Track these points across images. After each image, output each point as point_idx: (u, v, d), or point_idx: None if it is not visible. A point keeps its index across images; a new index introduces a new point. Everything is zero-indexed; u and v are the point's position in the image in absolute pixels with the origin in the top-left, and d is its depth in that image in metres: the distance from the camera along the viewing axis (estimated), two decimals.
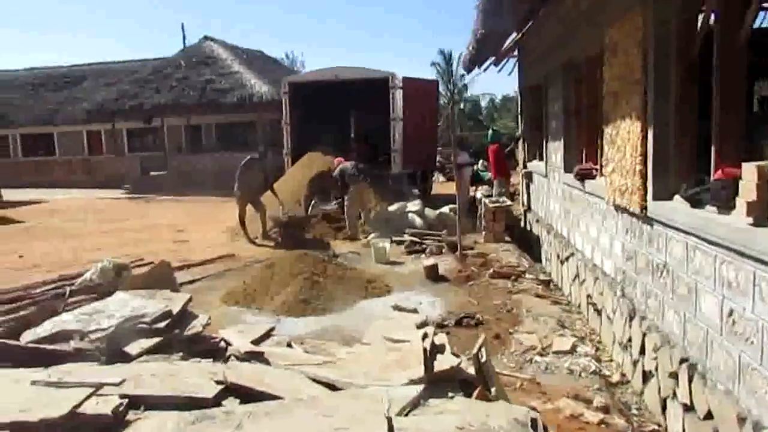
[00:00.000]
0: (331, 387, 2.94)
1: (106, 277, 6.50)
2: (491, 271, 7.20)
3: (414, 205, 10.77)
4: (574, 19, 6.31)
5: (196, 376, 2.89)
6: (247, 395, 2.72)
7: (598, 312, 5.44)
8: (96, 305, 3.96)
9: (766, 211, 2.74)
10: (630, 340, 4.51)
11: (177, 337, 3.71)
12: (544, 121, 8.40)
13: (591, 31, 5.70)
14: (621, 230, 4.85)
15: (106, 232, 12.49)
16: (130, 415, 2.55)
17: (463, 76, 45.29)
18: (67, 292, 6.06)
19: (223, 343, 4.07)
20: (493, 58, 10.78)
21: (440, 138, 20.03)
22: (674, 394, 3.65)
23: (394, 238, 9.39)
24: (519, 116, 11.36)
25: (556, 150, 7.59)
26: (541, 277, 7.46)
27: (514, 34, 9.29)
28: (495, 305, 6.00)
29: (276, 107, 19.84)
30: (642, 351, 4.23)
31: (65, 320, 3.80)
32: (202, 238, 11.26)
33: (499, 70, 11.51)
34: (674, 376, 3.62)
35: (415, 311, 4.91)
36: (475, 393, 3.30)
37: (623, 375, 4.55)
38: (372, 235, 9.88)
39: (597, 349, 5.01)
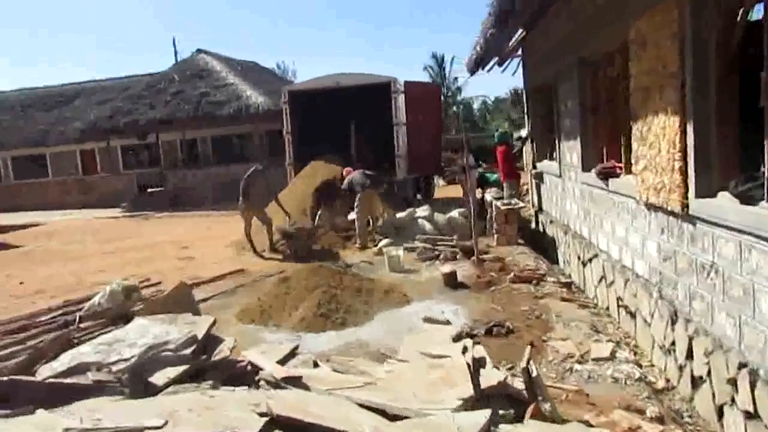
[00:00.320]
0: (381, 412, 2.74)
1: (116, 301, 6.30)
2: (512, 275, 7.00)
3: (423, 211, 10.58)
4: (590, 15, 6.15)
5: (236, 409, 2.68)
6: (295, 427, 2.51)
7: (632, 315, 5.25)
8: (115, 334, 3.74)
9: None
10: (673, 343, 4.31)
11: (204, 364, 3.50)
12: (555, 120, 8.23)
13: (610, 25, 5.54)
14: (655, 230, 4.66)
15: (107, 253, 12.24)
16: None
17: (456, 78, 45.59)
18: (77, 319, 5.84)
19: (249, 366, 3.88)
20: (497, 58, 10.66)
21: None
22: (732, 400, 3.46)
23: (406, 245, 9.18)
24: (525, 116, 11.21)
25: (571, 149, 7.42)
26: (562, 279, 7.27)
27: (519, 33, 9.16)
28: (522, 311, 5.80)
29: (273, 118, 19.70)
30: (689, 355, 4.04)
31: (83, 352, 3.59)
32: (207, 253, 11.04)
33: (503, 71, 11.38)
34: (732, 382, 3.43)
35: (447, 323, 4.70)
36: (530, 410, 3.11)
37: (668, 380, 4.35)
38: (382, 242, 9.68)
39: (635, 354, 4.82)
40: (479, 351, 3.91)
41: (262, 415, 2.58)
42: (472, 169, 12.36)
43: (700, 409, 3.89)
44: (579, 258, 7.14)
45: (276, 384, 3.20)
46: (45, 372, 3.45)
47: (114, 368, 3.37)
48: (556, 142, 8.23)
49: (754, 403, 3.21)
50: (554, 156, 8.71)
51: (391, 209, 11.13)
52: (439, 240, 9.56)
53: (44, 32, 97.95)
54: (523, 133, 19.09)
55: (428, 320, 4.73)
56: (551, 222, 9.05)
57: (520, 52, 10.71)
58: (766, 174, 3.25)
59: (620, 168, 5.76)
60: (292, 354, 4.30)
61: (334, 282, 6.65)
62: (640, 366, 4.55)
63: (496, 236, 9.61)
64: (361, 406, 2.75)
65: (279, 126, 18.09)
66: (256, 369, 3.74)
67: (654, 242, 4.73)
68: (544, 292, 6.43)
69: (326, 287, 6.45)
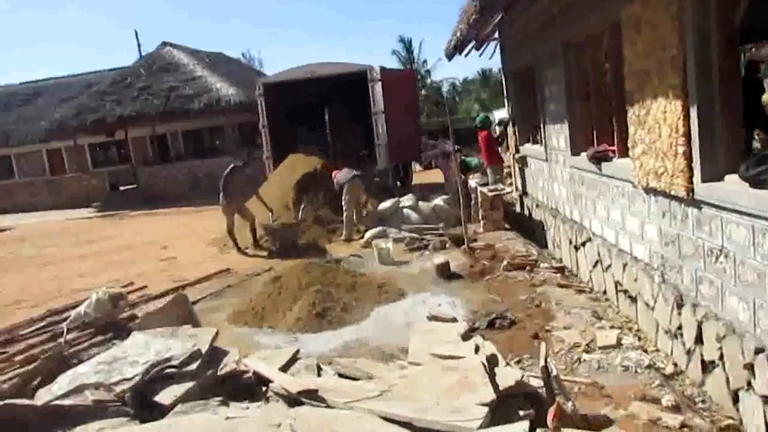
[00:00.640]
0: (408, 425, 2.64)
1: (103, 310, 6.07)
2: (505, 263, 6.96)
3: (407, 200, 10.49)
4: None
5: (257, 429, 2.55)
6: None
7: (632, 299, 5.23)
8: (114, 352, 3.56)
9: None
10: (680, 328, 4.29)
11: (211, 380, 3.35)
12: (540, 104, 8.16)
13: (597, 8, 5.46)
14: (656, 214, 4.63)
15: (84, 256, 11.89)
16: None
17: (425, 62, 45.38)
18: (65, 331, 5.61)
19: (254, 375, 3.74)
20: (474, 42, 10.54)
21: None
22: (749, 385, 3.44)
23: (394, 236, 9.08)
24: (506, 100, 11.13)
25: (558, 133, 7.37)
26: (555, 264, 7.25)
27: (497, 17, 9.05)
28: (521, 300, 5.76)
29: (244, 110, 19.35)
30: (698, 340, 4.02)
31: (82, 372, 3.40)
32: (188, 253, 10.79)
33: (480, 54, 11.28)
34: (749, 367, 3.41)
35: (454, 320, 4.62)
36: (552, 410, 3.03)
37: (675, 365, 4.34)
38: (368, 234, 9.56)
39: (639, 339, 4.81)
40: (489, 348, 3.83)
41: None
42: (454, 153, 12.28)
43: (713, 394, 3.88)
44: (571, 242, 7.12)
45: (289, 398, 3.07)
46: (44, 396, 3.27)
47: (117, 389, 3.21)
48: (541, 126, 8.17)
49: None
50: (539, 140, 8.66)
51: (374, 199, 11.01)
52: (426, 229, 9.48)
53: None
54: (497, 115, 19.08)
55: (433, 318, 4.63)
56: (537, 206, 9.02)
57: (497, 35, 10.62)
58: None
59: (613, 152, 5.71)
60: (294, 359, 4.17)
61: (327, 279, 6.53)
62: (646, 351, 4.54)
63: (482, 222, 9.57)
64: (386, 419, 2.65)
65: (251, 118, 17.81)
66: (263, 379, 3.61)
67: (654, 226, 4.70)
68: (540, 279, 6.39)
69: (320, 285, 6.32)
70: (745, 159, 3.62)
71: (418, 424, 2.61)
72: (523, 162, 9.79)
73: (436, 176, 17.75)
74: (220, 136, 22.58)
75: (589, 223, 6.44)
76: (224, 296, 7.33)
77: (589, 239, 6.42)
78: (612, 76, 5.63)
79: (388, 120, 12.82)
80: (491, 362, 3.51)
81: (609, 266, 5.83)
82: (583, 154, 6.35)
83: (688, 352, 4.20)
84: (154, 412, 3.21)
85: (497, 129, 14.17)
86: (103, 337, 5.86)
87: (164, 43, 23.68)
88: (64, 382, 3.31)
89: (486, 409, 2.70)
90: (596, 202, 6.14)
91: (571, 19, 6.29)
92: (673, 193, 4.18)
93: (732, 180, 3.61)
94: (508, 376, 3.35)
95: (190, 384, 3.24)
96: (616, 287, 5.65)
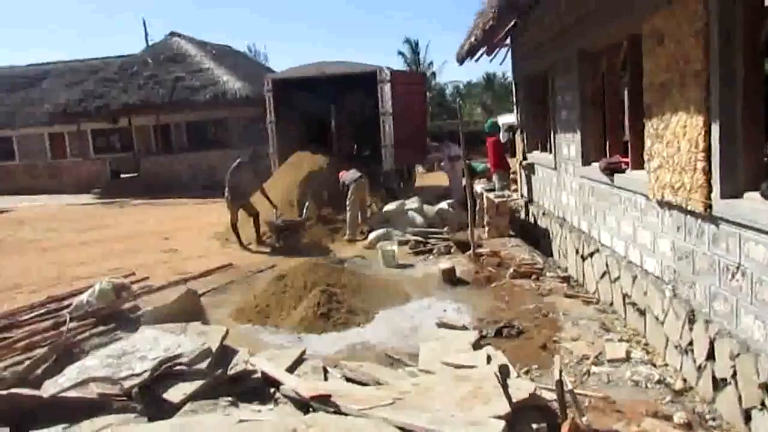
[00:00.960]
0: None
1: (106, 300, 6.02)
2: (511, 270, 6.93)
3: (413, 203, 10.45)
4: (593, 7, 6.03)
5: None
6: None
7: (641, 312, 5.20)
8: (123, 345, 3.52)
9: None
10: (691, 343, 4.27)
11: (221, 379, 3.31)
12: (550, 112, 8.13)
13: (616, 18, 5.43)
14: (670, 227, 4.60)
15: (86, 243, 11.83)
16: None
17: (431, 64, 45.32)
18: (67, 319, 5.56)
19: (261, 375, 3.70)
20: (485, 47, 10.50)
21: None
22: (763, 405, 3.42)
23: (398, 239, 9.05)
24: (514, 106, 11.10)
25: (568, 142, 7.34)
26: (560, 273, 7.22)
27: (511, 23, 9.02)
28: (528, 310, 5.72)
29: (250, 104, 19.30)
30: (710, 356, 3.99)
31: (90, 365, 3.37)
32: (191, 245, 10.74)
33: (491, 60, 11.25)
34: (763, 386, 3.39)
35: (464, 328, 4.58)
36: (566, 425, 3.01)
37: (685, 381, 4.31)
38: (372, 236, 9.52)
39: (647, 353, 4.78)
40: (501, 358, 3.80)
41: None
42: (460, 159, 12.26)
43: (724, 412, 3.85)
44: (578, 252, 7.09)
45: (301, 403, 3.03)
46: (50, 388, 3.23)
47: (125, 384, 3.16)
48: (552, 134, 8.14)
49: None
50: (548, 147, 8.63)
51: (379, 200, 10.98)
52: (431, 233, 9.44)
53: None
54: (502, 120, 19.04)
55: (443, 325, 4.60)
56: (544, 214, 8.99)
57: (508, 41, 10.59)
58: None
59: (626, 163, 5.69)
60: (300, 360, 4.14)
61: (333, 280, 6.49)
62: (655, 366, 4.51)
63: (487, 228, 9.54)
64: (401, 429, 2.61)
65: (256, 113, 17.76)
66: (271, 380, 3.57)
67: (667, 240, 4.67)
68: (546, 289, 6.36)
69: (325, 285, 6.27)
70: (766, 178, 3.60)
71: None
72: (530, 169, 9.76)
73: (438, 179, 17.75)
74: (225, 130, 22.51)
75: (598, 234, 6.41)
76: (227, 292, 7.28)
77: (597, 250, 6.39)
78: (629, 87, 5.60)
79: (396, 122, 12.79)
80: (503, 373, 3.48)
81: (617, 278, 5.80)
82: (595, 164, 6.32)
83: (699, 369, 4.17)
84: (161, 408, 3.18)
85: (504, 135, 14.13)
86: (105, 327, 5.81)
87: (172, 33, 23.62)
88: (72, 374, 3.27)
89: (503, 423, 2.67)
90: (606, 213, 6.11)
91: (588, 27, 6.25)
92: (689, 208, 4.15)
93: (753, 197, 3.58)
94: (521, 388, 3.33)
95: (199, 382, 3.21)
96: (624, 299, 5.62)
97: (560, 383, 3.16)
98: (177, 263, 9.16)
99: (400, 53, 44.96)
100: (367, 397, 3.06)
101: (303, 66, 13.45)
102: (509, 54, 10.97)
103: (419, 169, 21.89)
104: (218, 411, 2.94)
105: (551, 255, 8.37)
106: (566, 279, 6.99)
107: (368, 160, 13.19)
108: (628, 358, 4.47)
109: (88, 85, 22.34)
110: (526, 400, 3.19)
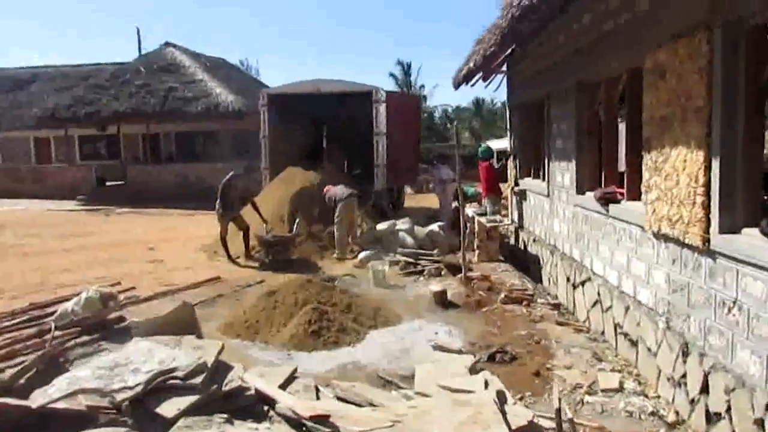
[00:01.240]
0: None
1: (92, 309, 5.88)
2: (502, 296, 6.93)
3: (404, 223, 10.44)
4: (593, 39, 6.13)
5: None
6: None
7: (633, 342, 5.22)
8: (115, 357, 3.44)
9: None
10: (684, 376, 4.28)
11: (216, 395, 3.25)
12: (545, 140, 8.21)
13: (616, 51, 5.52)
14: (665, 260, 4.63)
15: (69, 250, 11.63)
16: None
17: (422, 87, 45.74)
18: (52, 327, 5.43)
19: (255, 393, 3.64)
20: (481, 73, 10.63)
21: None
22: None
23: (389, 259, 9.02)
24: (508, 132, 11.21)
25: (563, 170, 7.40)
26: (550, 300, 7.24)
27: (508, 50, 9.14)
28: (520, 335, 5.72)
29: (241, 118, 19.30)
30: (704, 390, 4.01)
31: (81, 376, 3.28)
32: (177, 257, 10.61)
33: (486, 86, 11.37)
34: (759, 422, 3.40)
35: (460, 352, 4.56)
36: None
37: (677, 413, 4.31)
38: (361, 255, 9.49)
39: (639, 384, 4.78)
40: (497, 383, 3.78)
41: None
42: (453, 181, 12.32)
43: None
44: (569, 279, 7.12)
45: (297, 422, 2.98)
46: (39, 398, 3.13)
47: (117, 396, 3.08)
48: (546, 161, 8.21)
49: None
50: (541, 175, 8.70)
51: (370, 220, 10.97)
52: (421, 254, 9.43)
53: None
54: (491, 144, 19.21)
55: (439, 348, 4.57)
56: (534, 240, 9.03)
57: (505, 67, 10.73)
58: None
59: (622, 194, 5.74)
60: (292, 378, 4.08)
61: (324, 298, 6.43)
62: (647, 397, 4.52)
63: (477, 252, 9.56)
64: None
65: (247, 126, 17.74)
66: (265, 398, 3.51)
67: (662, 272, 4.70)
68: (537, 315, 6.37)
69: (316, 303, 6.22)
70: (764, 215, 3.66)
71: None
72: (521, 195, 9.82)
73: (427, 200, 17.81)
74: (214, 142, 22.43)
75: (590, 263, 6.44)
76: (215, 305, 7.19)
77: (589, 278, 6.42)
78: (627, 119, 5.67)
79: (389, 142, 12.86)
80: (500, 399, 3.46)
81: (609, 307, 5.82)
82: (589, 193, 6.38)
83: (692, 402, 4.17)
84: (153, 423, 3.10)
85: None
86: (90, 337, 5.68)
87: (167, 44, 23.61)
88: (62, 385, 3.18)
89: None
90: (600, 242, 6.15)
91: (587, 58, 6.35)
92: (687, 241, 4.19)
93: (751, 234, 3.62)
94: (518, 414, 3.30)
95: (194, 398, 3.14)
96: (615, 329, 5.63)
97: (559, 412, 3.14)
98: (163, 274, 9.04)
99: (392, 75, 45.37)
100: (365, 419, 3.01)
101: (299, 83, 13.50)
102: (504, 80, 11.10)
103: (408, 189, 22.00)
104: (213, 428, 2.87)
105: (541, 281, 8.40)
106: (556, 306, 7.01)
107: (360, 179, 13.20)
108: (621, 389, 4.47)
109: (78, 91, 22.19)
110: (524, 428, 3.16)
